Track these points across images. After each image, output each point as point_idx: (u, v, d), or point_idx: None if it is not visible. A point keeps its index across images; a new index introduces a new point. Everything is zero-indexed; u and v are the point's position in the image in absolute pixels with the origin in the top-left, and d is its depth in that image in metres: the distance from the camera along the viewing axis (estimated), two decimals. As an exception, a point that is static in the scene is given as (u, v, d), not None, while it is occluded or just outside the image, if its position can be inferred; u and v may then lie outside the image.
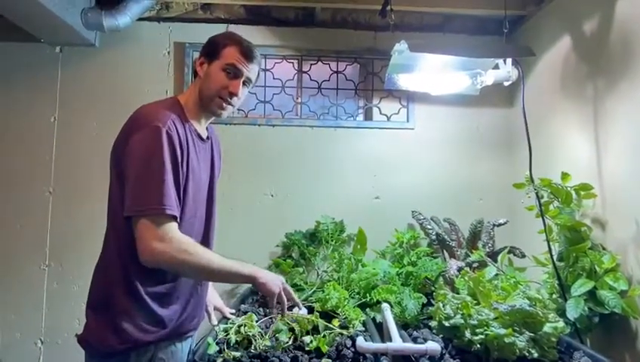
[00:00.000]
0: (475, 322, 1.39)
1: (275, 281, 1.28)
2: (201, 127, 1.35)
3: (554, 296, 1.66)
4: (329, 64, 2.53)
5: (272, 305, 1.31)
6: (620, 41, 1.65)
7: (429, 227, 2.26)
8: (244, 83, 1.32)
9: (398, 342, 1.37)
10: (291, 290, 1.36)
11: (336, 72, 2.53)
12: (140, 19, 2.34)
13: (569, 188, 1.71)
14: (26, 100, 2.38)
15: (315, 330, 1.54)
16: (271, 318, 1.61)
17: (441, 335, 1.52)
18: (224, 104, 1.31)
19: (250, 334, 1.48)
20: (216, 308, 1.61)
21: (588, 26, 1.83)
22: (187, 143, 1.23)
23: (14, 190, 2.35)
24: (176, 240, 1.13)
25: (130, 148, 1.15)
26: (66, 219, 2.34)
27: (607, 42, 1.71)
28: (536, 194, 1.71)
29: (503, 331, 1.32)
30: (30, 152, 2.37)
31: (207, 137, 1.38)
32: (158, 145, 1.13)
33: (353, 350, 1.42)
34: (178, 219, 1.17)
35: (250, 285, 2.16)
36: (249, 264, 1.29)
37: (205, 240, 1.35)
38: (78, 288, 2.30)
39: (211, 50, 1.30)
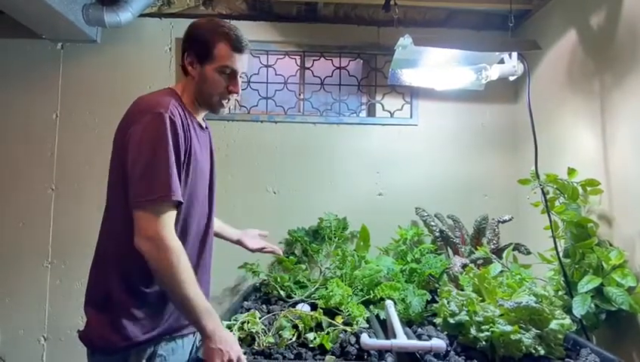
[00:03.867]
0: (481, 319, 1.38)
1: (225, 353, 1.11)
2: (199, 117, 1.34)
3: (560, 292, 1.64)
4: (332, 60, 2.52)
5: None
6: (627, 35, 1.62)
7: (432, 224, 2.24)
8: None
9: (402, 339, 1.36)
10: None
11: (339, 68, 2.51)
12: (142, 15, 2.33)
13: (575, 184, 1.69)
14: (28, 97, 2.38)
15: (318, 327, 1.53)
16: (274, 315, 1.60)
17: (445, 332, 1.51)
18: (226, 102, 1.31)
19: (254, 331, 1.47)
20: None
21: (594, 20, 1.80)
22: (189, 129, 1.22)
23: (16, 188, 2.35)
24: (171, 236, 1.11)
25: (133, 137, 1.13)
26: (69, 217, 2.34)
27: (614, 36, 1.68)
28: (542, 190, 1.69)
29: (509, 328, 1.30)
30: (32, 150, 2.36)
31: (206, 127, 1.39)
32: (161, 131, 1.12)
33: (357, 347, 1.41)
34: (182, 206, 1.15)
35: (253, 283, 2.19)
36: (216, 316, 1.14)
37: (206, 231, 1.34)
38: (80, 285, 2.30)
39: (201, 51, 1.24)
